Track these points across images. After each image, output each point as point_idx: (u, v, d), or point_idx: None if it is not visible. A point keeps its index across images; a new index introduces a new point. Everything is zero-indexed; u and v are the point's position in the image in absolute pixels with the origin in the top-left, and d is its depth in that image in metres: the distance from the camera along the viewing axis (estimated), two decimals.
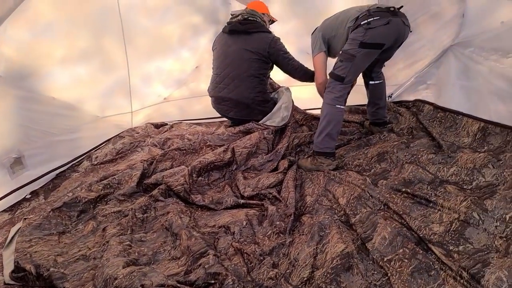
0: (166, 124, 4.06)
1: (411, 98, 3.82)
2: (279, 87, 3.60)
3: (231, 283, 1.59)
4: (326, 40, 2.95)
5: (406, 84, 3.90)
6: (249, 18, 3.23)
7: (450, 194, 2.16)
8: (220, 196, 2.44)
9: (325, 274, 1.66)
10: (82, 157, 3.25)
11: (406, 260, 1.69)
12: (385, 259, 1.73)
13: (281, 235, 2.00)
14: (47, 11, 2.78)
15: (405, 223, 1.96)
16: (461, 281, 1.55)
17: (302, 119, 3.63)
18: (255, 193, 2.44)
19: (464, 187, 2.25)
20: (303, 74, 3.34)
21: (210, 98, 3.47)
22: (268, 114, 3.23)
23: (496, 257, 1.66)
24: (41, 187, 2.80)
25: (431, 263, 1.67)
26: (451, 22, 3.36)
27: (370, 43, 2.63)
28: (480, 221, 1.88)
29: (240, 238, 2.00)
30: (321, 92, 2.91)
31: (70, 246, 1.99)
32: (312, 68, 3.13)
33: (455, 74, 3.37)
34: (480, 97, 3.10)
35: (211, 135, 3.10)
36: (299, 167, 2.82)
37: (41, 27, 2.79)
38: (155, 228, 2.14)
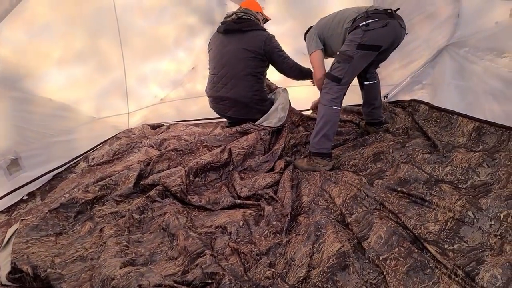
0: (163, 125, 4.06)
1: (406, 98, 3.84)
2: (276, 87, 3.61)
3: (228, 282, 1.60)
4: (322, 39, 2.96)
5: (401, 84, 3.92)
6: (243, 16, 3.23)
7: (445, 193, 2.17)
8: (217, 197, 2.45)
9: (321, 273, 1.67)
10: (79, 158, 3.25)
11: (401, 259, 1.71)
12: (381, 258, 1.75)
13: (278, 235, 2.00)
14: (43, 12, 2.79)
15: (400, 222, 1.97)
16: (456, 279, 1.57)
17: (299, 119, 3.64)
18: (251, 193, 2.45)
19: (459, 186, 2.27)
20: (298, 73, 3.36)
21: (207, 98, 3.47)
22: (265, 115, 3.23)
23: (490, 255, 1.67)
24: (38, 188, 2.80)
25: (426, 261, 1.68)
26: (446, 22, 3.38)
27: (368, 44, 2.64)
28: (475, 220, 1.89)
29: (237, 238, 2.00)
30: (320, 87, 2.91)
31: (67, 247, 1.99)
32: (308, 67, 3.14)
33: (450, 74, 3.40)
34: (475, 97, 3.12)
35: (208, 135, 3.10)
36: (296, 168, 2.83)
37: (37, 28, 2.79)
38: (152, 229, 2.15)
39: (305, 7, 3.93)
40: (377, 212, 2.09)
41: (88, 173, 2.96)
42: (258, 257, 1.84)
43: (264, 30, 3.31)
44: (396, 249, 1.77)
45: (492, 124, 2.84)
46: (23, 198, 2.66)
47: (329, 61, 2.91)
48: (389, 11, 2.68)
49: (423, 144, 2.86)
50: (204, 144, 3.00)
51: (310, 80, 3.46)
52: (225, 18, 3.31)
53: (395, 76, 3.93)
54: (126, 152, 3.28)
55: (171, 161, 2.83)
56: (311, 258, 1.79)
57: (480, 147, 2.74)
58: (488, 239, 1.78)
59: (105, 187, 2.49)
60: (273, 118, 3.19)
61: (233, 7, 3.88)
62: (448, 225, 1.90)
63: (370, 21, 2.60)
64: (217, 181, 2.72)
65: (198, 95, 4.03)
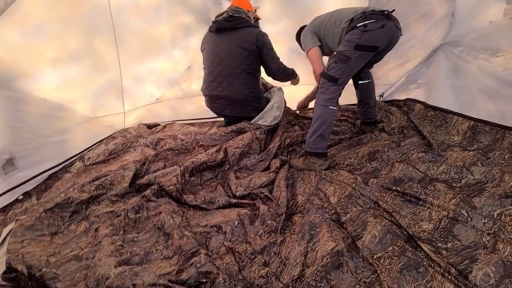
0: (159, 125, 4.06)
1: (402, 97, 3.85)
2: (272, 87, 3.61)
3: (222, 281, 1.60)
4: (318, 38, 2.95)
5: (397, 83, 3.94)
6: (235, 15, 3.22)
7: (439, 192, 2.18)
8: (212, 196, 2.45)
9: (315, 272, 1.67)
10: (75, 158, 3.25)
11: (395, 258, 1.71)
12: (375, 256, 1.75)
13: (273, 234, 2.01)
14: (38, 12, 2.78)
15: (395, 221, 1.98)
16: (449, 277, 1.58)
17: (294, 119, 3.65)
18: (247, 192, 2.45)
19: (453, 185, 2.28)
20: (282, 73, 3.36)
21: (203, 97, 3.47)
22: (260, 113, 3.23)
23: (483, 253, 1.68)
24: (33, 188, 2.80)
25: (420, 260, 1.69)
26: (441, 21, 3.40)
27: (365, 45, 2.64)
28: (469, 218, 1.91)
29: (231, 238, 2.01)
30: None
31: (62, 246, 1.99)
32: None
33: (445, 73, 3.41)
34: (470, 96, 3.14)
35: (204, 135, 3.10)
36: (291, 167, 2.84)
37: (32, 28, 2.78)
38: (147, 228, 2.15)
39: (300, 6, 3.94)
40: (372, 211, 2.09)
41: (83, 173, 2.95)
42: (252, 256, 1.84)
43: (256, 27, 3.31)
44: (390, 248, 1.78)
45: (487, 123, 2.86)
46: (19, 198, 2.66)
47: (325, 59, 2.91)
48: (386, 12, 2.69)
49: (418, 143, 2.87)
50: (200, 143, 3.00)
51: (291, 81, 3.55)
52: (217, 17, 3.30)
53: (391, 76, 3.94)
54: (121, 152, 3.28)
55: (167, 161, 2.82)
56: (305, 257, 1.80)
57: (475, 146, 2.75)
58: (482, 237, 1.79)
59: (101, 187, 2.49)
60: (268, 116, 3.20)
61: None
62: (442, 224, 1.91)
63: (368, 22, 2.60)
64: (213, 180, 2.72)
65: (194, 95, 4.04)
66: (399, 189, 2.24)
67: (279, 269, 1.76)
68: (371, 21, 2.61)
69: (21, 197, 2.67)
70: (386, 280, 1.61)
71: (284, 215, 2.15)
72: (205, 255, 1.77)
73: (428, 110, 3.37)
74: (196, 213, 2.33)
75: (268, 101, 3.37)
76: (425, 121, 3.28)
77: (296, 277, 1.67)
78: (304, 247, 1.85)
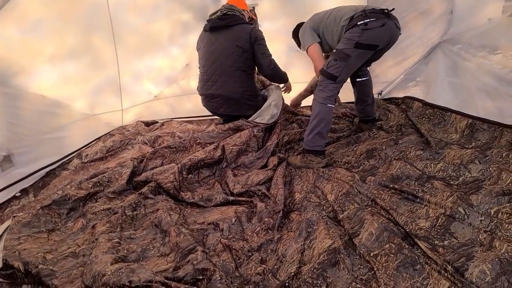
0: (157, 122, 4.06)
1: (400, 95, 3.86)
2: (270, 84, 3.61)
3: (219, 278, 1.60)
4: (317, 35, 2.95)
5: (395, 81, 3.94)
6: (228, 13, 3.21)
7: (437, 190, 2.18)
8: (209, 193, 2.45)
9: (312, 269, 1.67)
10: (72, 155, 3.25)
11: (392, 255, 1.71)
12: (372, 254, 1.75)
13: (270, 231, 2.01)
14: (35, 8, 2.78)
15: (392, 218, 1.98)
16: (445, 274, 1.57)
17: (292, 116, 3.64)
18: (244, 190, 2.45)
19: (451, 182, 2.28)
20: (273, 70, 3.29)
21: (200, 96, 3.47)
22: (258, 112, 3.23)
23: (480, 250, 1.68)
24: (31, 185, 2.80)
25: (416, 257, 1.69)
26: (440, 19, 3.40)
27: (365, 44, 2.63)
28: (466, 216, 1.90)
29: (229, 235, 2.01)
30: None
31: (59, 243, 1.99)
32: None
33: (444, 71, 3.42)
34: (468, 94, 3.14)
35: (201, 133, 3.10)
36: (289, 164, 2.84)
37: (30, 25, 2.78)
38: (144, 225, 2.15)
39: (299, 4, 3.94)
40: (369, 209, 2.09)
41: (81, 170, 2.96)
42: (249, 254, 1.84)
43: (250, 24, 3.29)
44: (387, 245, 1.78)
45: (485, 120, 2.86)
46: (16, 194, 2.66)
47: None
48: (386, 11, 2.68)
49: (416, 141, 2.87)
50: (198, 141, 2.99)
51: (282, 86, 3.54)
52: (211, 15, 3.29)
53: (389, 73, 3.94)
54: (119, 149, 3.28)
55: (164, 158, 2.82)
56: (302, 255, 1.80)
57: (473, 143, 2.75)
58: (478, 235, 1.79)
59: (98, 184, 2.49)
60: (265, 114, 3.19)
61: None
62: (439, 222, 1.91)
63: (368, 20, 2.60)
64: (210, 178, 2.72)
65: (192, 92, 4.03)
66: (396, 186, 2.24)
67: (275, 266, 1.76)
68: (371, 19, 2.60)
69: (18, 194, 2.67)
70: (383, 277, 1.61)
71: (281, 212, 2.15)
72: (202, 252, 1.77)
73: (426, 108, 3.36)
74: (194, 210, 2.33)
75: (264, 98, 3.36)
76: (423, 119, 3.28)
77: (292, 274, 1.67)
78: (301, 245, 1.85)
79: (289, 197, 2.39)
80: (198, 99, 3.57)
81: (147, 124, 3.99)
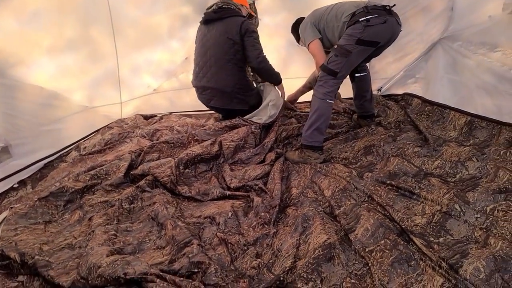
0: (156, 116, 4.05)
1: (400, 91, 3.85)
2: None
3: (214, 272, 1.60)
4: (318, 30, 2.94)
5: (395, 77, 3.93)
6: (224, 6, 3.19)
7: (433, 187, 2.19)
8: (206, 188, 2.45)
9: (307, 264, 1.68)
10: (70, 147, 3.24)
11: (387, 251, 1.72)
12: (367, 249, 1.76)
13: (266, 226, 2.01)
14: None
15: (388, 214, 1.98)
16: (440, 271, 1.58)
17: (291, 111, 3.63)
18: (241, 184, 2.46)
19: (448, 179, 2.28)
20: (261, 61, 3.16)
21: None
22: (255, 111, 3.20)
23: (475, 247, 1.69)
24: (28, 177, 2.79)
25: (411, 253, 1.70)
26: (440, 16, 3.39)
27: (367, 40, 2.63)
28: (462, 213, 1.91)
29: (225, 229, 2.02)
30: None
31: (56, 235, 2.00)
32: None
33: (443, 68, 3.41)
34: (467, 91, 3.14)
35: (198, 130, 3.07)
36: (287, 160, 2.84)
37: (28, 16, 2.77)
38: (141, 218, 2.15)
39: None
40: (365, 205, 2.10)
41: (79, 162, 2.95)
42: (245, 248, 1.85)
43: (243, 17, 3.23)
44: (382, 241, 1.79)
45: (484, 118, 2.86)
46: (14, 186, 2.65)
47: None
48: (387, 7, 2.68)
49: (414, 138, 2.87)
50: (195, 138, 2.99)
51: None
52: (207, 9, 3.28)
53: (389, 70, 3.93)
54: (118, 142, 3.28)
55: (162, 153, 2.82)
56: (298, 249, 1.80)
57: (471, 141, 2.75)
58: (474, 232, 1.80)
59: (96, 177, 2.49)
60: (263, 114, 3.17)
61: None
62: (434, 218, 1.92)
63: (370, 16, 2.59)
64: (207, 173, 2.71)
65: (191, 86, 4.00)
66: (393, 183, 2.25)
67: (271, 261, 1.77)
68: (373, 16, 2.59)
69: (16, 185, 2.66)
70: (377, 272, 1.62)
71: (277, 207, 2.15)
72: (197, 246, 1.77)
73: (425, 105, 3.36)
74: (190, 204, 2.34)
75: (259, 95, 3.33)
76: (422, 116, 3.28)
77: (287, 268, 1.67)
78: (297, 239, 1.86)
79: (286, 192, 2.39)
80: None
81: (146, 117, 3.98)
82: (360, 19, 2.61)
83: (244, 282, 1.61)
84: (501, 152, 2.44)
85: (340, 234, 1.91)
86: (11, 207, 2.16)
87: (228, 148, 2.83)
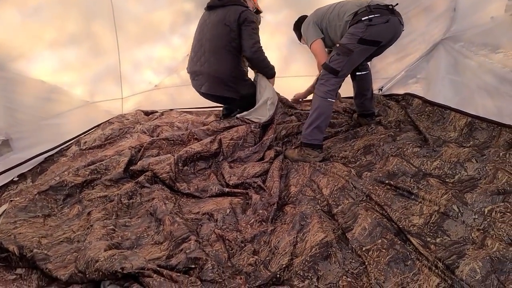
0: (157, 112, 4.05)
1: (401, 91, 3.85)
2: None
3: (211, 268, 1.61)
4: (320, 30, 2.94)
5: (396, 77, 3.93)
6: None
7: (432, 187, 2.19)
8: (205, 184, 2.46)
9: (304, 262, 1.69)
10: (71, 142, 3.25)
11: (384, 250, 1.72)
12: (364, 248, 1.77)
13: (263, 223, 2.02)
14: None
15: (386, 214, 1.99)
16: (436, 271, 1.59)
17: (291, 109, 3.63)
18: (240, 181, 2.46)
19: (447, 180, 2.29)
20: (256, 51, 3.08)
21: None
22: (252, 108, 3.16)
23: (471, 248, 1.69)
24: (29, 170, 2.80)
25: (408, 253, 1.70)
26: (443, 16, 3.38)
27: (369, 39, 2.63)
28: (459, 214, 1.91)
29: (222, 225, 2.02)
30: None
31: (54, 228, 2.01)
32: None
33: (445, 68, 3.41)
34: (468, 92, 3.13)
35: (198, 129, 3.08)
36: (286, 158, 2.84)
37: (30, 9, 2.76)
38: (139, 214, 2.16)
39: None
40: (363, 204, 2.10)
41: (79, 157, 2.96)
42: (242, 245, 1.86)
43: (247, 7, 3.18)
44: (379, 241, 1.79)
45: (484, 119, 2.86)
46: (14, 179, 2.66)
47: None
48: (390, 6, 2.67)
49: (414, 138, 2.87)
50: (195, 137, 2.99)
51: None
52: None
53: (390, 70, 3.93)
54: (118, 137, 3.29)
55: (161, 149, 2.83)
56: (295, 247, 1.81)
57: (471, 142, 2.75)
58: (471, 233, 1.80)
59: (95, 171, 2.50)
60: (262, 113, 3.13)
61: None
62: (432, 219, 1.92)
63: (373, 16, 2.59)
64: (206, 170, 2.72)
65: None
66: (392, 183, 2.25)
67: (268, 258, 1.77)
68: (376, 15, 2.59)
69: (16, 179, 2.67)
70: (374, 272, 1.62)
71: (276, 205, 2.16)
72: (195, 242, 1.78)
73: (426, 106, 3.36)
74: (189, 200, 2.35)
75: (253, 85, 3.28)
76: (423, 116, 3.28)
77: (284, 266, 1.68)
78: (294, 237, 1.86)
79: (285, 190, 2.40)
80: None
81: (147, 113, 3.99)
82: (363, 18, 2.61)
83: (241, 278, 1.62)
84: (501, 154, 2.44)
85: (337, 233, 1.91)
86: (11, 200, 2.16)
87: (227, 146, 2.84)
